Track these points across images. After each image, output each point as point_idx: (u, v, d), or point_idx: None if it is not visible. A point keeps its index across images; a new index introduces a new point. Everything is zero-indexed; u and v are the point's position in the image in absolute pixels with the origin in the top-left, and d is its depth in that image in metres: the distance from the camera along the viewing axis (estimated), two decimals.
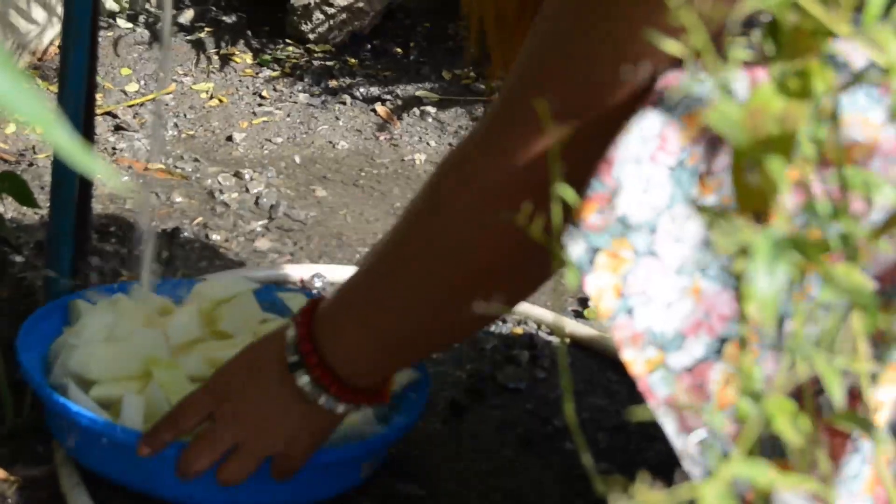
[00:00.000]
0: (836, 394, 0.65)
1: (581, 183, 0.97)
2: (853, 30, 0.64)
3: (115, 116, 2.26)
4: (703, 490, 0.51)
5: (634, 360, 1.01)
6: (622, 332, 1.00)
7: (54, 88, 2.29)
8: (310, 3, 2.52)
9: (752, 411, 0.64)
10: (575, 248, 0.99)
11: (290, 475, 1.27)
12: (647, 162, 0.99)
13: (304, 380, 1.23)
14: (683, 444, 0.99)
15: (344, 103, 2.37)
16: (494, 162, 1.09)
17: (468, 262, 1.14)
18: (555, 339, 1.73)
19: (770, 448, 0.80)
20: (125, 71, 2.39)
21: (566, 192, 0.65)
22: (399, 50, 2.64)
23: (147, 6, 2.54)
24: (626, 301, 1.00)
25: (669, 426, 1.00)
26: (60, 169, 1.56)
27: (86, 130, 1.61)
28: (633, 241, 0.99)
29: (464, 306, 1.13)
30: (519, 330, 1.75)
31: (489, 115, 1.12)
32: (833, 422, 0.65)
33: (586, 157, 0.98)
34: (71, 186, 1.57)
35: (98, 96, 1.58)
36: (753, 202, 0.65)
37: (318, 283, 1.81)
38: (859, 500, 0.94)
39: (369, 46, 2.61)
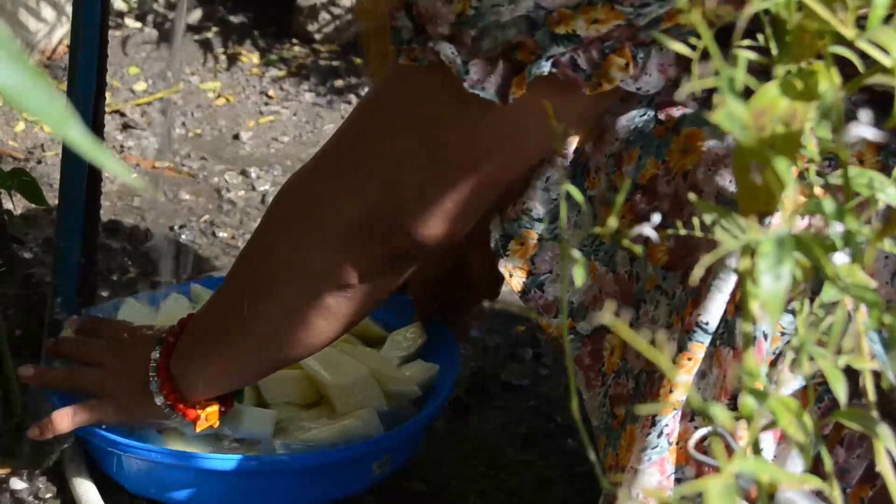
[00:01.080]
0: (840, 391, 0.66)
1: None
2: (858, 32, 0.64)
3: (123, 115, 2.27)
4: (708, 485, 0.52)
5: (549, 324, 1.24)
6: (536, 302, 1.24)
7: (63, 87, 2.30)
8: (316, 4, 2.53)
9: (756, 408, 0.64)
10: (493, 237, 1.23)
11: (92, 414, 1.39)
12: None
13: (153, 378, 1.35)
14: (592, 397, 1.21)
15: (350, 103, 2.38)
16: (315, 199, 1.21)
17: (285, 295, 1.25)
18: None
19: None
20: (133, 70, 2.40)
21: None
22: None
23: (155, 6, 2.55)
24: (535, 279, 1.23)
25: (581, 382, 1.22)
26: (69, 166, 1.57)
27: (95, 129, 1.61)
28: (537, 229, 1.22)
29: (284, 336, 1.26)
30: (522, 328, 1.76)
31: (319, 154, 1.23)
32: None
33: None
34: (80, 184, 1.57)
35: (106, 95, 1.58)
36: (757, 202, 0.66)
37: None
38: (656, 466, 1.10)
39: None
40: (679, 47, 0.66)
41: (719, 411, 0.56)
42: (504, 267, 1.24)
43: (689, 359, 1.09)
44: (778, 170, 0.58)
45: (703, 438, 1.11)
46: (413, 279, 1.52)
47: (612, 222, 0.68)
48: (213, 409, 1.36)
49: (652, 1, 1.01)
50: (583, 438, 0.69)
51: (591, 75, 1.05)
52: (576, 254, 0.68)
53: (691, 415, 1.11)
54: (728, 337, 1.09)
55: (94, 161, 0.51)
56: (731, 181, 1.08)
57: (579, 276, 0.68)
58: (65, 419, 1.35)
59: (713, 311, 1.08)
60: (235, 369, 1.33)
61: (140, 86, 2.37)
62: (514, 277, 1.23)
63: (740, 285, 1.06)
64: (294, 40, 2.54)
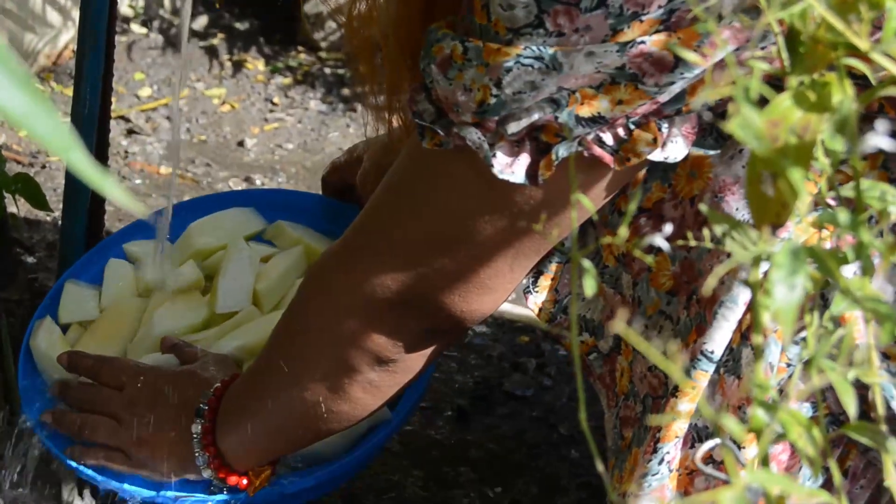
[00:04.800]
0: (850, 405, 0.66)
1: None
2: (872, 44, 0.64)
3: (128, 120, 2.27)
4: (720, 497, 0.52)
5: (573, 342, 1.13)
6: (561, 325, 1.24)
7: (69, 92, 2.30)
8: (322, 12, 2.53)
9: (766, 421, 0.64)
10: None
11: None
12: None
13: (199, 454, 1.33)
14: (609, 418, 1.22)
15: (355, 111, 2.38)
16: (347, 282, 1.20)
17: (323, 370, 1.24)
18: (560, 348, 1.73)
19: None
20: (139, 76, 2.40)
21: None
22: None
23: (161, 12, 2.55)
24: (560, 304, 1.24)
25: (603, 400, 1.23)
26: (74, 172, 1.57)
27: (100, 134, 1.61)
28: (561, 259, 1.24)
29: (327, 410, 1.26)
30: (525, 338, 1.75)
31: (347, 236, 1.23)
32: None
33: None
34: (84, 190, 1.57)
35: (111, 100, 1.58)
36: (769, 214, 0.65)
37: None
38: (655, 493, 1.10)
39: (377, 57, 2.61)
40: (693, 56, 0.66)
41: (731, 422, 0.56)
42: (534, 304, 1.25)
43: (693, 387, 1.09)
44: (792, 180, 0.58)
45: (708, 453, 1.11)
46: (365, 193, 1.50)
47: (623, 232, 0.68)
48: (266, 473, 1.35)
49: (676, 78, 1.00)
50: (591, 448, 0.69)
51: (619, 150, 1.04)
52: (586, 263, 0.68)
53: (692, 442, 1.11)
54: (733, 366, 1.09)
55: (95, 187, 0.50)
56: (737, 209, 1.08)
57: (589, 285, 0.68)
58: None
59: (718, 339, 1.08)
60: (281, 441, 1.32)
61: (145, 91, 2.36)
62: (542, 312, 1.25)
63: (751, 301, 1.06)
64: (300, 48, 2.54)
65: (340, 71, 2.49)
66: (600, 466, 0.68)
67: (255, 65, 2.47)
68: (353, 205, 1.57)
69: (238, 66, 2.46)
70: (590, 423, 1.61)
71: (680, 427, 1.09)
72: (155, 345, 1.45)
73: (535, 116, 1.02)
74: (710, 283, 0.80)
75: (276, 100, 2.39)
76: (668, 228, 1.07)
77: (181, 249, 1.56)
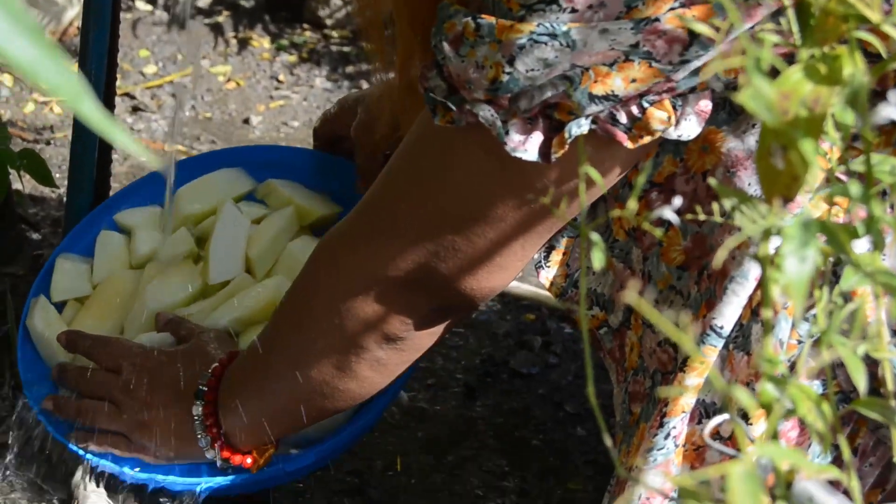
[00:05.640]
0: (860, 380, 0.65)
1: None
2: (884, 16, 0.64)
3: (133, 98, 2.26)
4: (730, 470, 0.52)
5: (582, 316, 1.14)
6: (572, 299, 1.25)
7: (73, 68, 2.29)
8: None
9: (776, 396, 0.64)
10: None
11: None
12: None
13: (201, 435, 1.33)
14: (618, 393, 1.22)
15: (360, 88, 2.37)
16: (355, 260, 1.20)
17: (330, 348, 1.24)
18: (566, 326, 1.73)
19: None
20: (143, 53, 2.39)
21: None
22: None
23: None
24: (571, 278, 1.24)
25: (612, 375, 1.23)
26: (79, 148, 1.56)
27: (106, 109, 1.61)
28: (572, 233, 1.23)
29: (334, 388, 1.26)
30: (531, 316, 1.75)
31: (354, 216, 1.22)
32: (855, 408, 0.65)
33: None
34: (90, 166, 1.57)
35: (116, 77, 1.58)
36: (778, 186, 0.65)
37: None
38: (661, 468, 1.10)
39: (387, 32, 2.61)
40: (701, 27, 0.66)
41: (743, 394, 0.56)
42: (545, 279, 1.25)
43: (702, 362, 1.08)
44: (804, 151, 0.58)
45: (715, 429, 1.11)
46: (361, 144, 1.51)
47: (633, 205, 0.67)
48: (270, 451, 1.34)
49: (690, 56, 1.00)
50: (598, 423, 0.69)
51: (632, 128, 1.03)
52: (594, 236, 0.68)
53: (699, 417, 1.11)
54: (742, 341, 1.09)
55: (106, 136, 0.50)
56: (749, 183, 1.07)
57: (598, 258, 0.67)
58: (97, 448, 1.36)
59: (728, 314, 1.08)
60: (285, 420, 1.31)
61: (150, 69, 2.36)
62: (553, 287, 1.25)
63: (761, 277, 1.06)
64: (305, 25, 2.53)
65: (346, 48, 2.48)
66: (608, 441, 0.68)
67: (261, 42, 2.46)
68: (344, 157, 1.56)
69: (243, 43, 2.46)
70: (598, 401, 1.61)
71: (687, 402, 1.08)
72: (150, 321, 1.44)
73: (548, 94, 1.02)
74: (720, 256, 0.79)
75: (281, 77, 2.38)
76: (678, 201, 1.07)
77: (169, 216, 1.54)
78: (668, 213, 0.67)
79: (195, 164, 1.61)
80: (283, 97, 2.34)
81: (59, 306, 1.48)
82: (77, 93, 0.49)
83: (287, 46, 2.46)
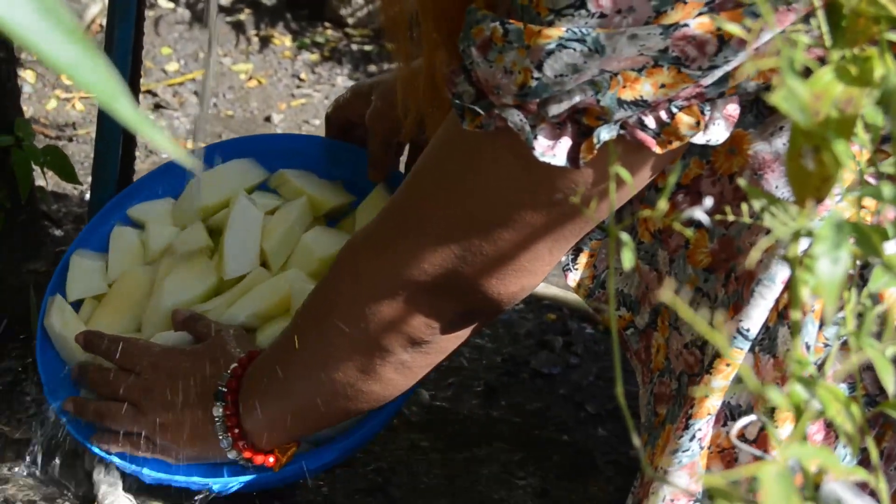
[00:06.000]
0: (889, 382, 0.65)
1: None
2: None
3: (155, 95, 2.27)
4: (763, 471, 0.52)
5: (612, 316, 1.16)
6: (599, 300, 1.27)
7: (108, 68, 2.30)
8: None
9: (805, 397, 0.64)
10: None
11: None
12: None
13: (223, 436, 1.33)
14: (643, 394, 1.23)
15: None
16: (379, 265, 1.20)
17: (354, 351, 1.24)
18: (588, 326, 1.73)
19: None
20: (165, 50, 2.40)
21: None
22: None
23: None
24: (598, 279, 1.26)
25: (638, 376, 1.24)
26: (103, 145, 1.57)
27: None
28: (598, 236, 1.25)
29: (357, 391, 1.26)
30: (553, 316, 1.75)
31: (378, 221, 1.22)
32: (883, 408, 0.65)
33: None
34: (114, 163, 1.57)
35: None
36: (809, 188, 0.65)
37: None
38: (686, 470, 1.09)
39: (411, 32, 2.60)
40: (732, 28, 0.66)
41: (775, 394, 0.56)
42: (573, 280, 1.26)
43: (728, 364, 1.08)
44: (836, 152, 0.57)
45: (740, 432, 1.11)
46: (374, 131, 1.50)
47: (663, 205, 0.67)
48: (293, 449, 1.35)
49: (719, 62, 1.00)
50: (627, 424, 0.69)
51: (660, 133, 1.03)
52: (624, 236, 0.67)
53: (724, 420, 1.11)
54: (769, 344, 1.09)
55: (141, 134, 0.50)
56: (777, 186, 1.07)
57: (627, 258, 0.67)
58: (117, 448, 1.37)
59: (755, 317, 1.08)
60: (307, 421, 1.32)
61: (172, 66, 2.36)
62: (580, 288, 1.27)
63: (789, 279, 1.06)
64: (326, 24, 2.54)
65: (367, 47, 2.48)
66: (637, 440, 0.68)
67: (282, 40, 2.47)
68: (356, 145, 1.56)
69: (265, 41, 2.46)
70: (613, 401, 1.61)
71: (713, 404, 1.08)
72: (166, 318, 1.44)
73: (577, 99, 1.02)
74: (753, 256, 0.79)
75: (303, 76, 2.39)
76: (709, 202, 1.07)
77: (183, 210, 1.54)
78: (699, 214, 0.67)
79: (205, 154, 1.59)
80: (304, 95, 2.34)
81: (77, 305, 1.48)
82: (114, 92, 0.49)
83: (308, 45, 2.47)
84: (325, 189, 1.55)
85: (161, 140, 0.49)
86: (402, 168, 1.59)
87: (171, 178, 1.57)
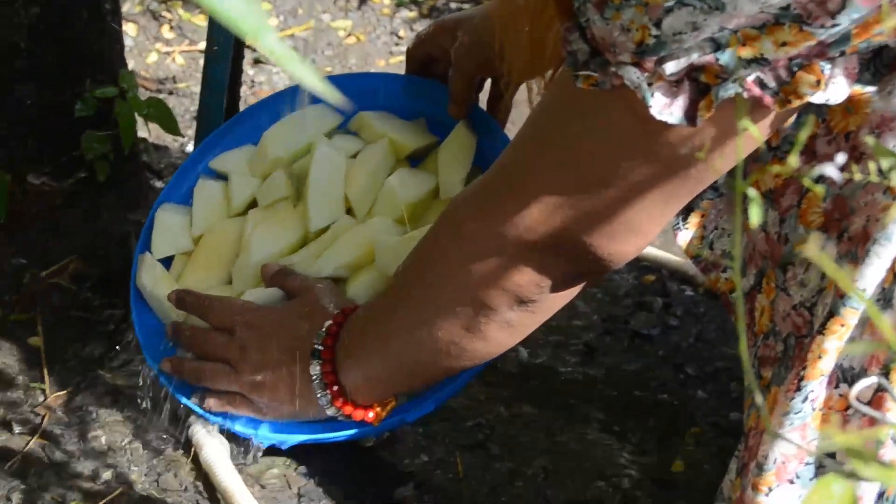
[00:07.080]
0: None
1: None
2: None
3: (254, 50, 2.27)
4: (882, 433, 0.51)
5: (717, 279, 1.28)
6: (706, 261, 1.29)
7: (196, 20, 2.31)
8: None
9: None
10: None
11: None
12: None
13: (321, 394, 1.34)
14: (751, 356, 1.19)
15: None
16: (485, 226, 1.19)
17: (460, 309, 1.24)
18: (687, 288, 1.72)
19: None
20: (265, 6, 2.41)
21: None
22: None
23: None
24: (707, 240, 1.27)
25: (743, 341, 1.16)
26: (209, 95, 1.58)
27: (235, 59, 1.62)
28: (711, 196, 1.28)
29: (461, 348, 1.26)
30: (651, 277, 1.74)
31: (484, 181, 1.21)
32: None
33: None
34: (218, 113, 1.58)
35: None
36: None
37: None
38: (797, 431, 1.07)
39: None
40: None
41: None
42: (683, 240, 1.29)
43: (842, 325, 1.07)
44: None
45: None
46: (459, 67, 1.48)
47: (793, 161, 0.66)
48: (392, 403, 1.35)
49: (842, 20, 0.98)
50: (749, 382, 0.68)
51: (779, 91, 1.02)
52: (751, 192, 0.66)
53: (836, 382, 1.09)
54: (884, 304, 1.07)
55: (288, 69, 0.50)
56: (894, 145, 1.05)
57: (755, 213, 0.66)
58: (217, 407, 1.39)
59: (870, 277, 1.06)
60: (407, 378, 1.33)
61: (272, 21, 2.37)
62: (689, 248, 1.29)
63: None
64: None
65: (466, 5, 2.47)
66: (759, 398, 0.67)
67: None
68: (436, 81, 1.54)
69: None
70: (719, 364, 1.60)
71: (826, 366, 1.07)
72: (256, 274, 1.44)
73: (695, 57, 1.00)
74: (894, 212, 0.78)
75: (401, 33, 2.39)
76: (841, 158, 1.05)
77: (261, 160, 1.52)
78: (831, 170, 0.66)
79: (277, 101, 1.57)
80: (402, 53, 2.33)
81: (167, 261, 1.49)
82: (260, 26, 0.49)
83: (407, 2, 2.46)
84: (406, 130, 1.53)
85: (306, 74, 0.48)
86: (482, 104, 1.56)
87: (247, 127, 1.55)
